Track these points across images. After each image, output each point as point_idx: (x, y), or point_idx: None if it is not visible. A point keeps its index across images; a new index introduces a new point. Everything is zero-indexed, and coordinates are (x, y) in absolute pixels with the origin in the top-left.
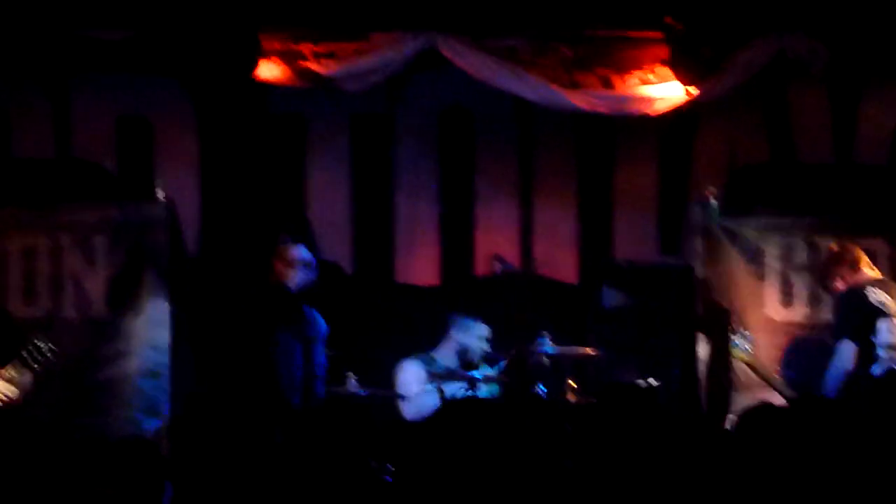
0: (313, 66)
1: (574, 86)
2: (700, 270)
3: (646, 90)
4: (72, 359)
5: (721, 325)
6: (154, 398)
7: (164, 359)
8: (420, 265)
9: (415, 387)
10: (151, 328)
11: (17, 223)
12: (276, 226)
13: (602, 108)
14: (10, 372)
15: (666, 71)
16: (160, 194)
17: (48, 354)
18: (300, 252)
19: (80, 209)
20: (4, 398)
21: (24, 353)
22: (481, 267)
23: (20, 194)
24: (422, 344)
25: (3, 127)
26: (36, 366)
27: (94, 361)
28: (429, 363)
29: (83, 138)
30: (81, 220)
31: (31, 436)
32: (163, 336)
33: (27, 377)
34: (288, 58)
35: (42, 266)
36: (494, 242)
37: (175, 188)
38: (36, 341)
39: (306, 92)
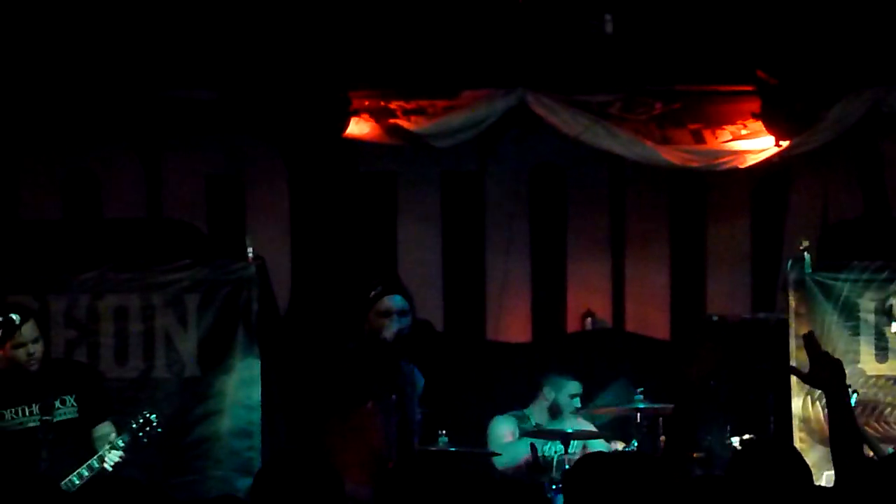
0: (403, 123)
1: (665, 141)
2: (795, 326)
3: (738, 144)
4: (165, 419)
5: (837, 376)
6: (246, 457)
7: (256, 417)
8: (511, 322)
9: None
10: (243, 387)
11: (110, 284)
12: (367, 282)
13: (694, 162)
14: (119, 441)
15: (758, 125)
16: (251, 253)
17: (156, 426)
18: (394, 301)
19: (171, 269)
20: (113, 467)
21: (134, 425)
22: (573, 324)
23: (112, 255)
24: (514, 401)
25: (94, 187)
26: (143, 437)
27: (186, 421)
28: (521, 420)
29: (174, 198)
30: (173, 279)
31: (130, 498)
32: (254, 394)
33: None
34: (378, 115)
35: (134, 326)
36: (586, 299)
37: (266, 246)
38: (146, 413)
39: (397, 150)
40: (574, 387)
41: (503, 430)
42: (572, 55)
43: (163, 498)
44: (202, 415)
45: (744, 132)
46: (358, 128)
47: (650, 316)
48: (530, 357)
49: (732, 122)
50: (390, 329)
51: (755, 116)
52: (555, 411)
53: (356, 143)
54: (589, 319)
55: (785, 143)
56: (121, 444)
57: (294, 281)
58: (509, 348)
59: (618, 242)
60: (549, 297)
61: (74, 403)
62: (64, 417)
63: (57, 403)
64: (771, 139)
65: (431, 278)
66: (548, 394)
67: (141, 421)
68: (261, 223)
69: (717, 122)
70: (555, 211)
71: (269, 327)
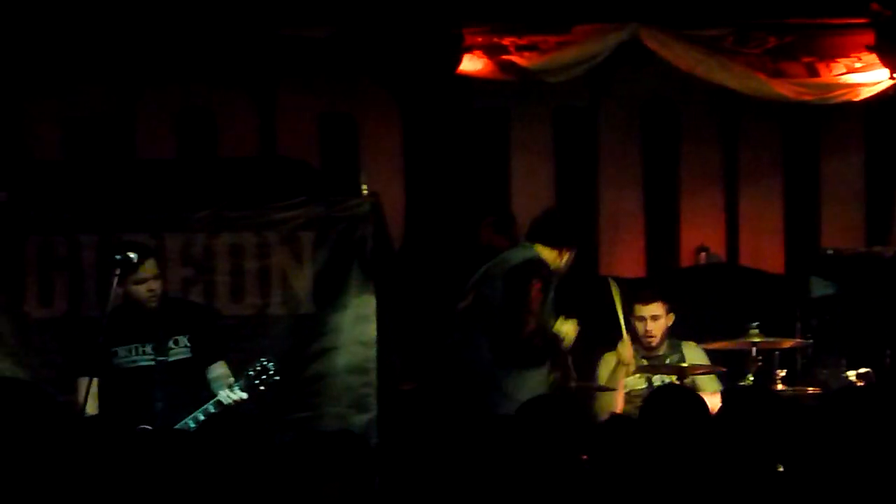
0: (516, 58)
1: (778, 74)
2: None
3: (851, 77)
4: (280, 355)
5: None
6: (362, 394)
7: (372, 354)
8: (625, 257)
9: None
10: (358, 324)
11: (225, 222)
12: (480, 219)
13: (807, 96)
14: (236, 388)
15: (872, 57)
16: (365, 189)
17: (273, 374)
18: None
19: (286, 206)
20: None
21: (251, 372)
22: (686, 258)
23: (226, 193)
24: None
25: (208, 126)
26: (260, 385)
27: (302, 358)
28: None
29: (287, 136)
30: (287, 217)
31: (245, 431)
32: (369, 331)
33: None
34: (491, 51)
35: (250, 264)
36: (700, 234)
37: (379, 183)
38: (264, 361)
39: (509, 86)
40: (640, 309)
41: (608, 366)
42: None
43: (276, 431)
44: (318, 351)
45: (857, 65)
46: (471, 64)
47: (764, 250)
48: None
49: (846, 55)
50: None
51: (869, 49)
52: (638, 339)
53: (469, 79)
54: (703, 254)
55: None
56: (237, 390)
57: (408, 218)
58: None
59: (731, 177)
60: (662, 232)
61: (188, 343)
62: (178, 357)
63: (170, 343)
64: (885, 72)
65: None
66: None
67: (259, 368)
68: (374, 160)
69: (831, 55)
70: (667, 146)
71: (383, 264)
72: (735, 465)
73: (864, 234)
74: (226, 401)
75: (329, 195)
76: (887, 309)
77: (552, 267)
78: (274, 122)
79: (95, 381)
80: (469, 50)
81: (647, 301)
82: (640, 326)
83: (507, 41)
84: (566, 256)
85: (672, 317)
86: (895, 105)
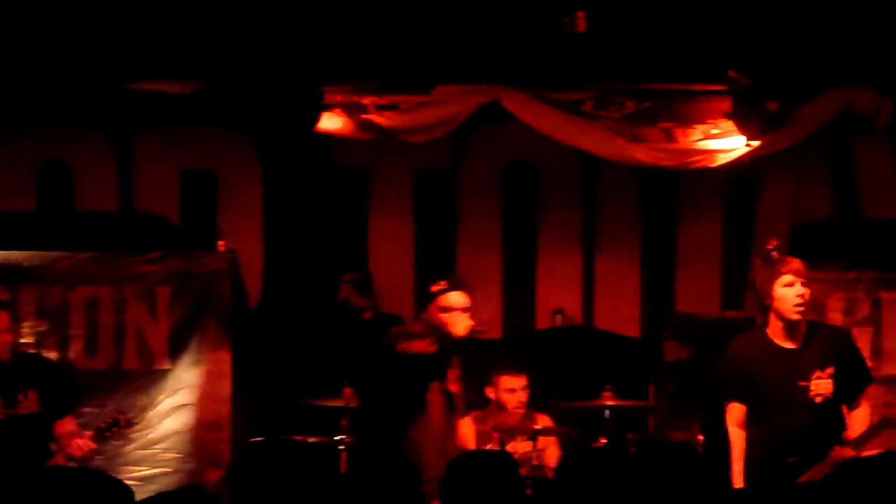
0: (376, 118)
1: (637, 139)
2: None
3: (709, 144)
4: (134, 411)
5: None
6: (216, 449)
7: (226, 410)
8: (482, 318)
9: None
10: (213, 379)
11: (81, 275)
12: (338, 277)
13: (665, 161)
14: (87, 441)
15: (729, 124)
16: (222, 246)
17: (123, 427)
18: (457, 298)
19: (143, 260)
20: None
21: (103, 426)
22: (543, 321)
23: (84, 246)
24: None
25: (67, 179)
26: (111, 436)
27: (156, 413)
28: (481, 421)
29: (147, 190)
30: (144, 271)
31: (92, 489)
32: (224, 387)
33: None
34: (351, 110)
35: (105, 317)
36: (557, 296)
37: (238, 240)
38: (115, 414)
39: (370, 146)
40: (509, 381)
41: (463, 432)
42: (545, 52)
43: (124, 490)
44: (171, 407)
45: (715, 131)
46: (331, 122)
47: (620, 313)
48: (499, 354)
49: (703, 122)
50: (457, 325)
51: (726, 116)
52: (501, 408)
53: (329, 137)
54: (558, 316)
55: (756, 143)
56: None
57: (266, 274)
58: (479, 345)
59: (589, 239)
60: (519, 294)
61: (38, 398)
62: (27, 411)
63: (20, 397)
64: (742, 139)
65: (403, 274)
66: (489, 393)
67: (110, 420)
68: (233, 216)
69: (689, 121)
70: (526, 207)
71: (239, 320)
72: None
73: (719, 299)
74: (76, 452)
75: (186, 250)
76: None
77: None
78: (133, 177)
79: None
80: (329, 108)
81: (518, 372)
82: (508, 398)
83: (367, 100)
84: None
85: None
86: (751, 171)
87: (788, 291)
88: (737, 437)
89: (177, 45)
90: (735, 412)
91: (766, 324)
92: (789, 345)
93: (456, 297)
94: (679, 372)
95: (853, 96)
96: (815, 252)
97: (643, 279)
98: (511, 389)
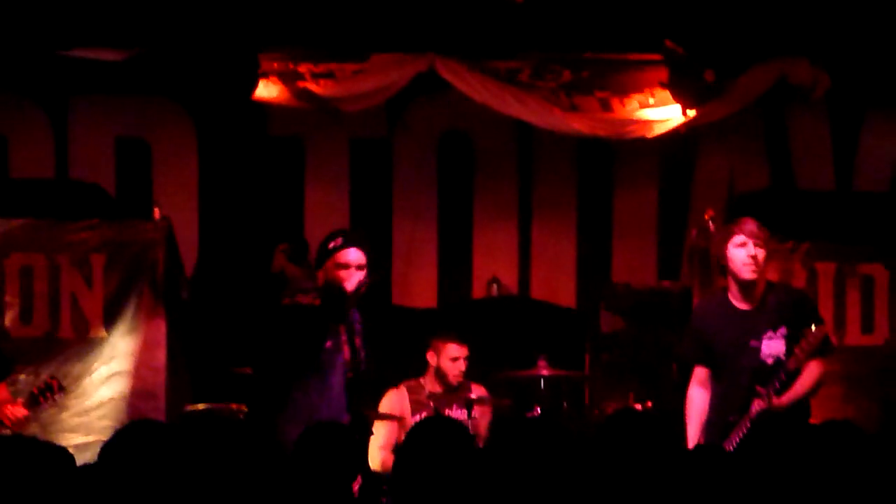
0: (312, 86)
1: (573, 109)
2: (699, 294)
3: (645, 113)
4: (69, 378)
5: None
6: (150, 419)
7: (161, 379)
8: (417, 288)
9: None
10: (148, 348)
11: (16, 243)
12: (273, 246)
13: (601, 131)
14: (20, 407)
15: (666, 94)
16: (157, 214)
17: (57, 393)
18: (353, 255)
19: (77, 228)
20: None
21: (36, 391)
22: (479, 290)
23: (18, 214)
24: (414, 369)
25: (1, 147)
26: (44, 402)
27: (91, 381)
28: (415, 391)
29: (82, 158)
30: (79, 239)
31: (28, 455)
32: (159, 355)
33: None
34: (287, 78)
35: (40, 285)
36: (492, 266)
37: (173, 208)
38: (48, 379)
39: (306, 114)
40: (454, 350)
41: (394, 403)
42: (482, 21)
43: (62, 456)
44: (107, 375)
45: (651, 101)
46: (267, 90)
47: (556, 283)
48: (434, 323)
49: (640, 91)
50: (351, 281)
51: (663, 86)
52: (441, 376)
53: (265, 105)
54: (494, 286)
55: (692, 113)
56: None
57: (202, 243)
58: (414, 314)
59: (525, 209)
60: (455, 264)
61: None
62: None
63: None
64: (678, 109)
65: None
66: (431, 360)
67: (43, 386)
68: (169, 185)
69: (625, 91)
70: (462, 178)
71: (175, 288)
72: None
73: (655, 270)
74: (8, 419)
75: (121, 219)
76: (674, 343)
77: None
78: (68, 144)
79: None
80: (265, 76)
81: (462, 342)
82: (451, 367)
83: (303, 68)
84: None
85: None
86: (688, 142)
87: (740, 252)
88: (697, 398)
89: (110, 11)
90: (698, 374)
91: (727, 287)
92: (744, 306)
93: (350, 254)
94: (614, 342)
95: (789, 67)
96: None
97: (579, 249)
98: (454, 358)
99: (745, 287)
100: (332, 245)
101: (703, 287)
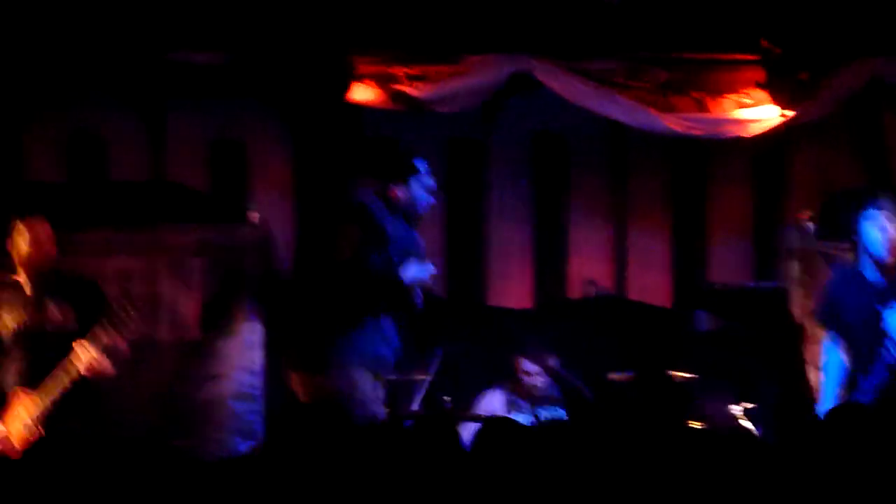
0: (406, 88)
1: (668, 109)
2: (796, 294)
3: (740, 113)
4: (166, 381)
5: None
6: (248, 420)
7: (258, 381)
8: (513, 289)
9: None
10: (245, 350)
11: (113, 246)
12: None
13: (696, 130)
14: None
15: (761, 94)
16: (254, 217)
17: (131, 314)
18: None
19: (174, 232)
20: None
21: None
22: (575, 291)
23: (115, 217)
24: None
25: (99, 150)
26: (120, 327)
27: (188, 384)
28: (510, 391)
29: (178, 161)
30: (176, 242)
31: (130, 455)
32: (256, 358)
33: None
34: (381, 80)
35: (137, 289)
36: (588, 266)
37: (269, 211)
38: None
39: (400, 116)
40: (527, 365)
41: (492, 403)
42: (576, 22)
43: (161, 457)
44: (204, 378)
45: (747, 101)
46: (362, 93)
47: (652, 283)
48: (531, 324)
49: (735, 91)
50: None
51: (758, 85)
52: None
53: (360, 108)
54: (591, 287)
55: (788, 113)
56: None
57: (297, 246)
58: (511, 314)
59: (620, 210)
60: (551, 264)
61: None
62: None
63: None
64: (774, 108)
65: (433, 245)
66: (526, 366)
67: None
68: (264, 187)
69: (721, 91)
70: (557, 178)
71: (271, 291)
72: None
73: (751, 269)
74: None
75: (218, 222)
76: (772, 344)
77: None
78: (165, 148)
79: None
80: (360, 78)
81: (534, 360)
82: (526, 380)
83: (398, 71)
84: None
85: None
86: (783, 141)
87: (881, 234)
88: (834, 362)
89: (206, 15)
90: (830, 336)
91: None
92: (879, 279)
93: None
94: (711, 343)
95: (884, 66)
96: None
97: (674, 249)
98: (528, 373)
99: (882, 265)
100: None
101: (799, 287)
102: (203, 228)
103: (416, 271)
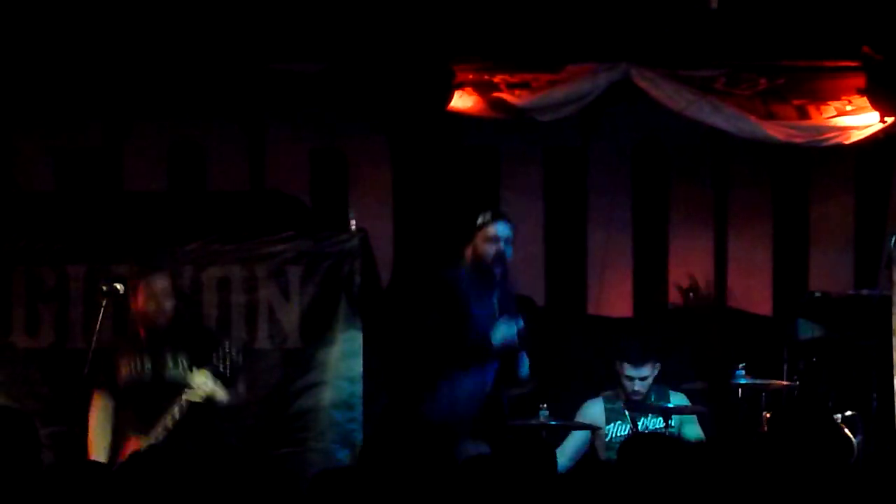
0: (507, 96)
1: (769, 116)
2: None
3: (842, 120)
4: (266, 390)
5: None
6: (348, 429)
7: (358, 389)
8: (613, 297)
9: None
10: (345, 359)
11: (212, 255)
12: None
13: (798, 138)
14: (201, 377)
15: (863, 101)
16: (353, 225)
17: (237, 358)
18: (502, 227)
19: (274, 241)
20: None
21: (214, 359)
22: (675, 299)
23: (215, 227)
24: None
25: (199, 159)
26: (225, 371)
27: (288, 393)
28: (612, 399)
29: (277, 171)
30: (276, 251)
31: (230, 465)
32: (356, 367)
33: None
34: (482, 88)
35: (237, 298)
36: (688, 274)
37: (368, 219)
38: (224, 346)
39: (500, 124)
40: (630, 370)
41: (590, 415)
42: (677, 30)
43: (260, 467)
44: (304, 386)
45: (848, 108)
46: (462, 101)
47: (753, 291)
48: (632, 332)
49: (837, 98)
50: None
51: (860, 92)
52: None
53: (459, 116)
54: (691, 294)
55: (890, 120)
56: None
57: (396, 254)
58: (611, 323)
59: (720, 218)
60: (651, 272)
61: (185, 362)
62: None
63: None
64: (876, 115)
65: (533, 253)
66: (619, 371)
67: (220, 353)
68: (363, 196)
69: (822, 98)
70: (657, 186)
71: (371, 300)
72: None
73: (853, 277)
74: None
75: (318, 230)
76: (873, 352)
77: None
78: (264, 157)
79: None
80: (460, 87)
81: (638, 363)
82: (628, 384)
83: (498, 79)
84: None
85: (658, 366)
86: (885, 149)
87: None
88: None
89: (307, 26)
90: None
91: None
92: None
93: (498, 227)
94: (812, 351)
95: None
96: None
97: (776, 257)
98: (630, 378)
99: None
100: (480, 220)
101: None
102: (302, 237)
103: (504, 331)
